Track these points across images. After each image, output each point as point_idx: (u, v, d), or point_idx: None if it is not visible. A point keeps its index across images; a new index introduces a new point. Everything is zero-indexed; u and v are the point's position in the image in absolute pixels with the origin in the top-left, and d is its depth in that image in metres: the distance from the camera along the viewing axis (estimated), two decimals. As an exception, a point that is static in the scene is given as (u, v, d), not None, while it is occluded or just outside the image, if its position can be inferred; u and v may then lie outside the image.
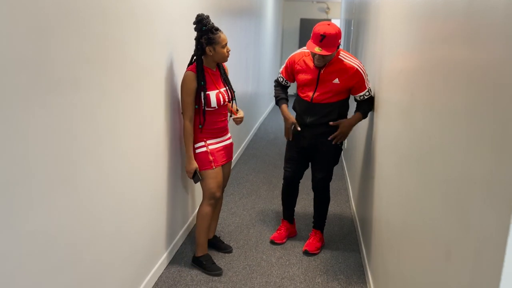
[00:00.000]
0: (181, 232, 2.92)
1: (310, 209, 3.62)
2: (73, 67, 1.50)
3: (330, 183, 4.47)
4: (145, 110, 2.18)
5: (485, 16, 1.03)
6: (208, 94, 2.42)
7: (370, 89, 2.69)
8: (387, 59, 2.44)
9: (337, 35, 2.48)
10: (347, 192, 4.06)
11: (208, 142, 2.52)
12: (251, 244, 2.99)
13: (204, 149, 2.50)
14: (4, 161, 1.21)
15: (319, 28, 2.47)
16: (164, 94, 2.44)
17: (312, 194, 4.13)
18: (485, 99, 0.99)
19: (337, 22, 10.48)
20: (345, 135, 2.70)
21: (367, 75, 2.67)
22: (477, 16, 1.08)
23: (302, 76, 2.71)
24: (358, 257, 2.87)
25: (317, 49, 2.45)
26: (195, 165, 2.48)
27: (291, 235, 3.13)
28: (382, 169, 2.34)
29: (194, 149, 2.51)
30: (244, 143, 5.51)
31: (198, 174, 2.49)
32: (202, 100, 2.41)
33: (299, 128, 2.74)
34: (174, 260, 2.72)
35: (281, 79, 2.89)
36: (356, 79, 2.61)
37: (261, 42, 6.61)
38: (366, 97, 2.68)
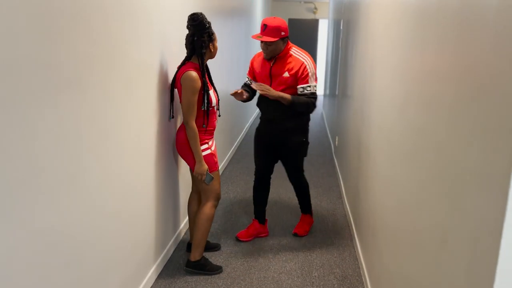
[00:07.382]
0: (175, 235, 2.94)
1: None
2: (79, 68, 1.53)
3: (318, 179, 4.55)
4: (144, 110, 2.21)
5: (475, 17, 1.09)
6: (209, 94, 2.45)
7: (313, 87, 2.76)
8: (379, 57, 2.51)
9: (279, 27, 2.66)
10: (340, 189, 4.13)
11: (209, 143, 2.55)
12: (248, 241, 3.03)
13: (209, 151, 2.52)
14: (15, 159, 1.23)
15: (264, 20, 2.70)
16: (162, 95, 2.47)
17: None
18: (474, 95, 1.05)
19: (325, 22, 10.56)
20: (270, 93, 2.74)
21: (314, 74, 2.78)
22: (468, 17, 1.14)
23: (257, 71, 2.90)
24: (353, 251, 2.93)
25: (258, 36, 2.66)
26: (206, 166, 2.47)
27: (261, 235, 3.11)
28: (376, 163, 2.41)
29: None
30: (237, 142, 5.55)
31: (209, 174, 2.51)
32: (206, 100, 2.42)
33: (239, 91, 2.82)
34: (172, 259, 2.75)
35: (247, 79, 3.05)
36: (301, 72, 2.73)
37: (251, 42, 6.65)
38: (306, 91, 2.76)
